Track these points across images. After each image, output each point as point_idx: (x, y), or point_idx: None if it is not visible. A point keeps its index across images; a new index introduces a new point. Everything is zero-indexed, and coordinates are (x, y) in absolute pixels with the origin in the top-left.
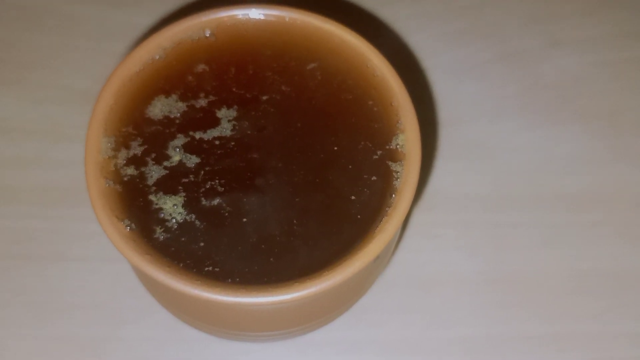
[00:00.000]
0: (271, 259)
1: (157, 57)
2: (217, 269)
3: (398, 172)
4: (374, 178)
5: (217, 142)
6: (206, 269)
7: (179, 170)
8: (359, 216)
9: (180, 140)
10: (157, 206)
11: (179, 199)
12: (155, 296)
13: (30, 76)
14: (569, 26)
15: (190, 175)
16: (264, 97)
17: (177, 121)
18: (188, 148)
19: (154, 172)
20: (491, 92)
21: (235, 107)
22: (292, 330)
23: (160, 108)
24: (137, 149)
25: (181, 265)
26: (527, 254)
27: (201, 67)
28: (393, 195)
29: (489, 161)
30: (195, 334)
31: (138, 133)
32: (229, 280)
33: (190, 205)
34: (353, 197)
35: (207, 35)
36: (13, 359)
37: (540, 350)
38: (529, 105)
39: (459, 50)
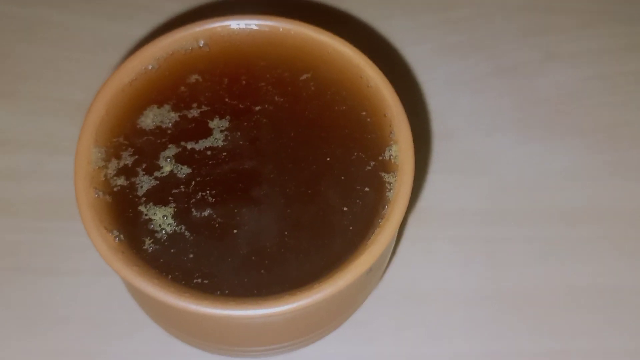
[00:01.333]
0: (262, 271)
1: (150, 67)
2: (206, 281)
3: (391, 183)
4: (366, 189)
5: (208, 153)
6: (195, 281)
7: (170, 181)
8: (351, 228)
9: (171, 150)
10: (146, 217)
11: (169, 210)
12: (145, 310)
13: (24, 88)
14: (565, 40)
15: (181, 186)
16: (257, 108)
17: (169, 131)
18: (179, 158)
19: (145, 183)
20: (487, 105)
21: (228, 117)
22: (284, 345)
23: (152, 118)
24: (127, 159)
25: (170, 277)
26: (522, 269)
27: (194, 78)
28: (385, 207)
29: (485, 175)
30: (188, 350)
31: (129, 143)
32: (218, 292)
33: (180, 216)
34: (345, 209)
35: (201, 45)
36: None
37: None
38: (525, 119)
39: (454, 63)
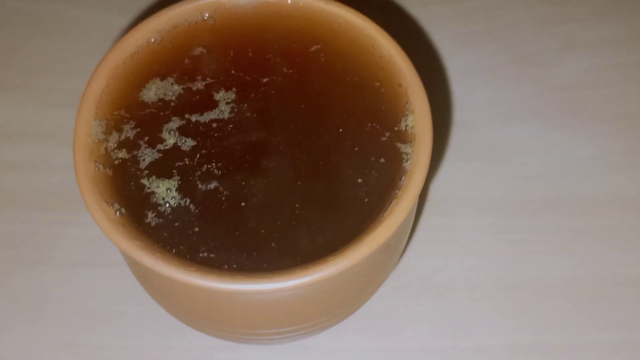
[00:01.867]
0: (272, 245)
1: (153, 40)
2: (212, 255)
3: (408, 153)
4: (382, 160)
5: (214, 125)
6: (201, 255)
7: (174, 154)
8: (366, 200)
9: (175, 123)
10: (149, 190)
11: (173, 183)
12: (148, 290)
13: (34, 81)
14: (583, 29)
15: (186, 159)
16: (265, 80)
17: (173, 104)
18: (183, 131)
19: (147, 156)
20: (505, 94)
21: (234, 89)
22: (297, 329)
23: (155, 91)
24: (129, 132)
25: (174, 251)
26: (544, 259)
27: (199, 51)
28: (403, 178)
29: (504, 164)
30: (198, 342)
31: (131, 116)
32: (226, 266)
33: (184, 189)
34: (359, 180)
35: (206, 18)
36: None
37: None
38: (544, 107)
39: (471, 52)
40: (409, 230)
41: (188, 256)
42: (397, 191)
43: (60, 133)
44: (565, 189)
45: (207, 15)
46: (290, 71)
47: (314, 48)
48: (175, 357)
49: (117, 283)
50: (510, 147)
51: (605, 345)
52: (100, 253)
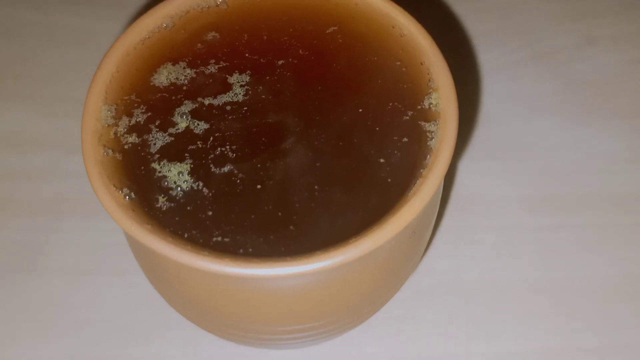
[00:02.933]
0: (290, 227)
1: (165, 25)
2: (227, 239)
3: (432, 132)
4: (405, 139)
5: (228, 108)
6: (215, 239)
7: (186, 137)
8: (389, 180)
9: (187, 106)
10: (160, 174)
11: (185, 167)
12: (156, 284)
13: (44, 90)
14: (604, 24)
15: (199, 142)
16: (280, 62)
17: (185, 88)
18: (196, 114)
19: (158, 140)
20: (526, 91)
21: (249, 72)
22: (316, 326)
23: (167, 75)
24: (140, 116)
25: (186, 235)
26: (574, 258)
27: (211, 35)
28: (428, 156)
29: (527, 161)
30: (213, 353)
31: (142, 101)
32: (241, 251)
33: (197, 172)
34: (382, 160)
35: (219, 3)
36: None
37: None
38: (567, 103)
39: (491, 50)
40: (434, 219)
41: (201, 241)
42: (422, 170)
43: (70, 141)
44: (593, 185)
45: (219, 0)
46: (307, 53)
47: (330, 29)
48: None
49: (129, 291)
50: (534, 143)
51: None
52: (112, 261)
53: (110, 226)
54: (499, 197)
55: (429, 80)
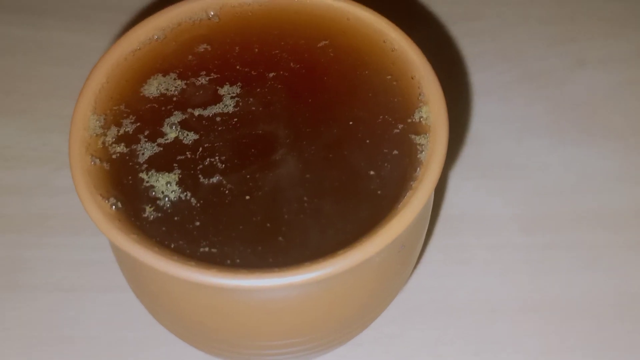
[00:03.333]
0: (279, 239)
1: (156, 37)
2: (214, 250)
3: (423, 144)
4: (395, 152)
5: (218, 119)
6: (202, 250)
7: (175, 148)
8: (379, 192)
9: (177, 117)
10: (147, 184)
11: (173, 177)
12: (141, 296)
13: (35, 106)
14: (594, 47)
15: (188, 152)
16: (271, 75)
17: (175, 99)
18: (185, 125)
19: (147, 150)
20: (517, 111)
21: (239, 84)
22: (305, 340)
23: (157, 86)
24: (128, 126)
25: (172, 246)
26: (568, 277)
27: (203, 47)
28: (418, 169)
29: (519, 180)
30: None
31: (131, 111)
32: (228, 262)
33: (185, 182)
34: (372, 173)
35: (210, 16)
36: None
37: None
38: (558, 123)
39: (482, 71)
40: (424, 234)
41: (188, 251)
42: (412, 182)
43: (60, 157)
44: (584, 204)
45: (212, 13)
46: (298, 66)
47: (322, 44)
48: None
49: (115, 309)
50: (525, 163)
51: None
52: (98, 278)
53: (97, 243)
54: (490, 216)
55: (420, 94)
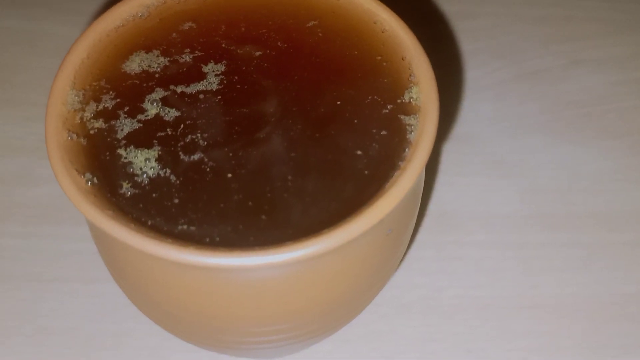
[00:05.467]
0: (262, 217)
1: (140, 14)
2: (193, 228)
3: (412, 125)
4: (383, 132)
5: (201, 96)
6: (180, 227)
7: (155, 124)
8: (366, 172)
9: (158, 93)
10: (125, 160)
11: (153, 153)
12: (117, 276)
13: (21, 96)
14: (588, 47)
15: (168, 129)
16: (257, 53)
17: (157, 75)
18: (167, 102)
19: (126, 126)
20: (511, 109)
21: (224, 62)
22: (288, 328)
23: (139, 63)
24: (108, 102)
25: (149, 223)
26: (558, 277)
27: (188, 25)
28: (407, 149)
29: (512, 178)
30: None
31: (111, 87)
32: (207, 240)
33: (165, 159)
34: (359, 152)
35: None
36: None
37: None
38: (552, 122)
39: (475, 69)
40: (413, 221)
41: (165, 228)
42: (400, 162)
43: (45, 147)
44: (577, 203)
45: None
46: (285, 45)
47: (310, 24)
48: None
49: (95, 300)
50: (518, 161)
51: None
52: (78, 268)
53: (79, 233)
54: (482, 214)
55: (410, 75)
